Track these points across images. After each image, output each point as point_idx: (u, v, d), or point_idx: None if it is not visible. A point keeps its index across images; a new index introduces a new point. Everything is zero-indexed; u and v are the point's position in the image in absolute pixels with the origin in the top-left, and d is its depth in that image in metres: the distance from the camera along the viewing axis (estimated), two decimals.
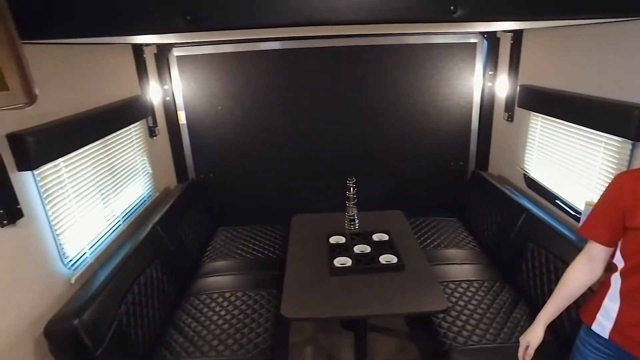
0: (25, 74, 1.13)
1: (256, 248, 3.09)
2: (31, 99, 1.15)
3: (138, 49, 2.83)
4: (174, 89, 3.18)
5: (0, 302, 1.58)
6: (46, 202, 1.87)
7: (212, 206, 3.47)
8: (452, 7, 1.34)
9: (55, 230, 1.92)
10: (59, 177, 1.98)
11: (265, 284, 2.63)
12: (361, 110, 3.32)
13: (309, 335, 2.96)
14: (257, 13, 1.34)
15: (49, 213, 1.89)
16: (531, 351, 1.56)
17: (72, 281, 2.00)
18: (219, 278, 2.73)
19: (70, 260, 2.03)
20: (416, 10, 1.42)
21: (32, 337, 1.74)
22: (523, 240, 2.48)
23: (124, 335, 1.94)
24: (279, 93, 3.24)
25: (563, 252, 2.12)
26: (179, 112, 3.24)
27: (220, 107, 3.21)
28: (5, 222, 1.60)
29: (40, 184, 1.84)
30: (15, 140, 1.66)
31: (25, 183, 1.75)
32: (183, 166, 3.39)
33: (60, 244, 1.96)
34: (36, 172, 1.80)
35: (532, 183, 2.79)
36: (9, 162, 1.67)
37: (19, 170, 1.71)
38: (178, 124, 3.27)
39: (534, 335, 1.55)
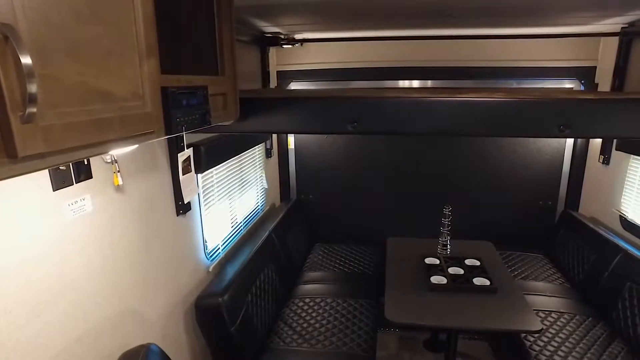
0: (236, 100, 1.56)
1: (351, 264, 3.38)
2: (238, 117, 1.58)
3: (266, 79, 3.35)
4: None
5: (167, 276, 2.01)
6: (202, 201, 2.33)
7: (311, 224, 3.83)
8: (561, 127, 1.68)
9: (203, 225, 2.37)
10: (211, 182, 2.45)
11: (362, 295, 2.89)
12: (456, 146, 3.55)
13: (393, 352, 3.13)
14: (398, 124, 1.81)
15: (202, 210, 2.34)
16: None
17: (210, 269, 2.42)
18: (319, 286, 3.04)
19: (209, 252, 2.46)
20: (529, 130, 1.81)
21: (183, 307, 2.16)
22: (619, 280, 2.53)
23: (249, 319, 2.30)
24: None
25: None
26: (288, 138, 3.70)
27: (326, 137, 3.61)
28: (181, 212, 2.06)
29: (201, 186, 2.31)
30: (194, 149, 2.12)
31: None
32: (287, 186, 3.82)
33: (205, 237, 2.39)
34: (200, 175, 2.27)
35: (629, 225, 2.82)
36: None
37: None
38: (287, 148, 3.72)
39: None
